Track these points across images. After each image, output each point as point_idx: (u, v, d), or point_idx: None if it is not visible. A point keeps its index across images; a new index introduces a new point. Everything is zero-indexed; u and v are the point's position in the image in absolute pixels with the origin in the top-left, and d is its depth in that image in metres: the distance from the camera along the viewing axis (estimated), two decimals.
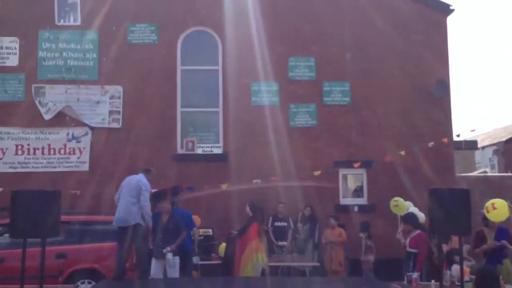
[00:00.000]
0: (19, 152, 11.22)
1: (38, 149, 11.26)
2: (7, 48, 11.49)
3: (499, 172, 20.91)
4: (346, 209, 11.40)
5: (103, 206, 10.32)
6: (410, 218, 8.00)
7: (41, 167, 11.22)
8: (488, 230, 7.43)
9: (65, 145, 11.32)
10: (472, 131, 13.14)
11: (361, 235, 9.94)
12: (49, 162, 11.26)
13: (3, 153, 11.16)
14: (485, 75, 69.73)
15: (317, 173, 11.25)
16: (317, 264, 9.51)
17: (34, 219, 6.16)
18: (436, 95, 11.85)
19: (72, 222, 8.77)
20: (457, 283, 6.52)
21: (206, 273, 9.82)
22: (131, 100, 11.53)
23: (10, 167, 11.14)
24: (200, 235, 9.91)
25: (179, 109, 11.76)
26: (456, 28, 74.90)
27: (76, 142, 11.35)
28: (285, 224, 10.45)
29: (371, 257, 9.77)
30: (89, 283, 7.99)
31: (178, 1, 11.85)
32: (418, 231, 7.65)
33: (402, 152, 11.30)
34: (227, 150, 11.59)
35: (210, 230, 10.53)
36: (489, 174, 16.59)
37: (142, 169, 8.43)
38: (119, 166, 10.82)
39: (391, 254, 9.47)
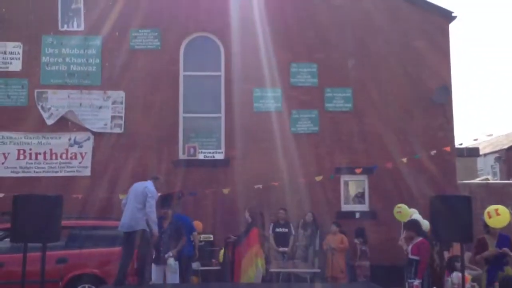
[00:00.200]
0: (21, 156, 11.23)
1: (40, 154, 11.27)
2: (10, 53, 11.53)
3: (501, 179, 20.91)
4: (347, 215, 11.38)
5: (105, 211, 10.35)
6: (413, 225, 7.99)
7: (43, 172, 11.22)
8: (490, 237, 7.41)
9: (67, 150, 11.33)
10: (475, 140, 13.16)
11: (356, 240, 9.97)
12: (51, 167, 11.27)
13: (5, 158, 11.17)
14: (488, 82, 69.70)
15: (318, 179, 11.23)
16: (318, 270, 9.48)
17: (35, 224, 6.18)
18: (438, 102, 11.84)
19: (73, 227, 8.77)
20: None
21: (207, 278, 9.82)
22: (134, 106, 11.54)
23: (12, 172, 11.15)
24: (200, 241, 9.92)
25: (181, 114, 11.77)
26: (458, 35, 74.97)
27: (78, 147, 11.36)
28: (286, 230, 10.43)
29: (366, 263, 9.81)
30: None
31: (181, 7, 11.88)
32: (420, 238, 7.63)
33: (404, 159, 11.29)
34: (229, 156, 11.58)
35: (211, 236, 10.54)
36: (491, 181, 16.55)
37: (150, 176, 8.45)
38: (121, 172, 10.85)
39: (393, 261, 9.45)
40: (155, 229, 7.81)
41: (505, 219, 7.33)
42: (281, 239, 10.30)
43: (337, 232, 9.88)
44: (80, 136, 11.40)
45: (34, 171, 11.22)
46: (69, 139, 11.36)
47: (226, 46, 11.90)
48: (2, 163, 11.15)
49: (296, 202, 11.00)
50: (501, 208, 7.40)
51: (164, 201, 8.28)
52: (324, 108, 11.86)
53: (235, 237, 9.38)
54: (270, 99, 11.79)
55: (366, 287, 8.86)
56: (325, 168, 11.47)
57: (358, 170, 11.40)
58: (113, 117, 11.52)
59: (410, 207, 9.83)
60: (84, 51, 11.65)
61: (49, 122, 11.36)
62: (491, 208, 7.44)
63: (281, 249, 10.18)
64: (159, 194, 8.20)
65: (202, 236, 10.20)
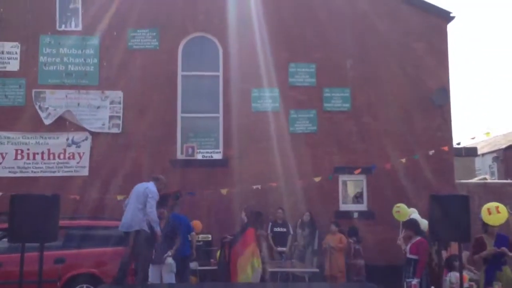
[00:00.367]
0: (19, 156, 11.21)
1: (37, 153, 11.25)
2: (8, 52, 11.51)
3: (498, 179, 20.93)
4: (345, 215, 11.38)
5: (103, 211, 10.35)
6: (411, 224, 8.01)
7: (41, 172, 11.20)
8: (488, 237, 7.41)
9: (64, 150, 11.31)
10: (472, 138, 13.16)
11: (350, 240, 9.98)
12: (49, 167, 11.25)
13: (3, 158, 11.14)
14: (485, 82, 69.83)
15: (317, 179, 11.23)
16: (317, 270, 9.48)
17: (33, 223, 6.15)
18: (436, 103, 11.86)
19: (71, 227, 8.75)
20: None
21: (205, 278, 9.81)
22: (132, 106, 11.53)
23: (10, 172, 11.12)
24: (199, 241, 9.91)
25: (179, 114, 11.76)
26: (456, 35, 75.09)
27: (76, 147, 11.34)
28: (285, 229, 10.44)
29: (361, 261, 9.85)
30: None
31: (179, 7, 11.87)
32: (419, 238, 7.64)
33: (403, 160, 11.29)
34: (227, 156, 11.58)
35: (210, 236, 10.53)
36: (489, 181, 16.55)
37: (151, 177, 8.44)
38: (119, 171, 10.83)
39: (391, 260, 9.45)
40: (158, 229, 7.80)
41: (503, 218, 7.36)
42: (280, 239, 10.31)
43: (336, 232, 9.92)
44: (78, 136, 11.38)
45: (32, 171, 11.20)
46: (67, 139, 11.34)
47: (224, 46, 11.90)
48: (0, 163, 11.13)
49: (294, 202, 11.00)
50: (501, 206, 7.42)
51: (160, 201, 8.26)
52: (323, 108, 11.87)
53: (231, 237, 9.37)
54: (268, 99, 11.79)
55: (363, 286, 8.87)
56: (324, 168, 11.47)
57: (356, 171, 11.40)
58: (111, 117, 11.51)
59: (408, 207, 9.83)
60: (82, 51, 11.63)
61: (47, 122, 11.34)
62: (492, 204, 7.43)
63: (279, 248, 10.18)
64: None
65: (201, 236, 10.19)
